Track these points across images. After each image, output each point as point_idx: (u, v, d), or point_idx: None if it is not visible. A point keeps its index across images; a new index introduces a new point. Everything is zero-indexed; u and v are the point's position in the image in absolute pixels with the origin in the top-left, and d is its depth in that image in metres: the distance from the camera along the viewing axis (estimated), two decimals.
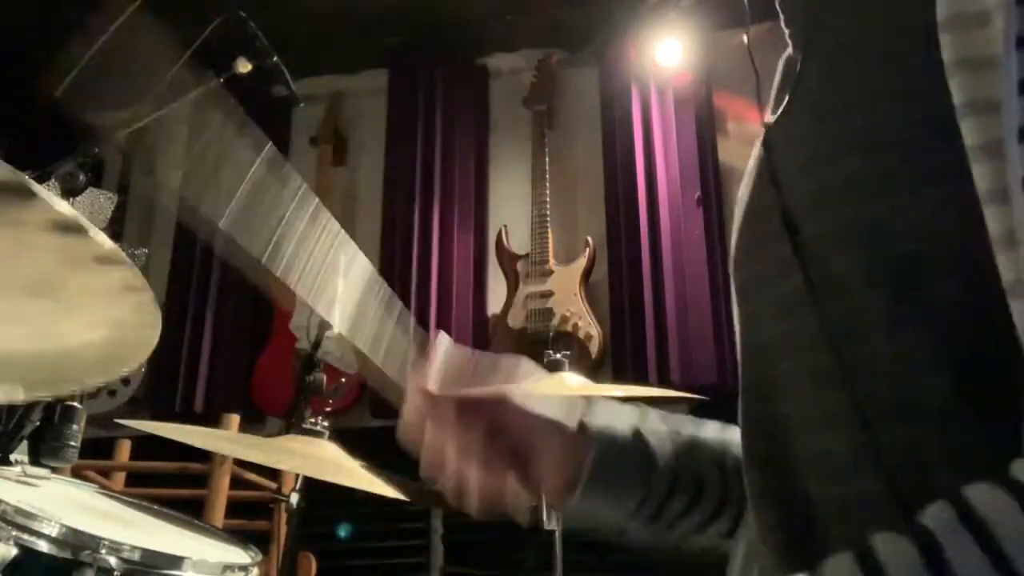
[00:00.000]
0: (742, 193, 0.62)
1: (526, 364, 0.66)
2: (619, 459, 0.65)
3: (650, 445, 0.67)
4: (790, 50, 0.61)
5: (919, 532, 0.38)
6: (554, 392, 0.67)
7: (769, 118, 0.60)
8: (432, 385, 0.62)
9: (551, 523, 1.62)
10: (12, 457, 1.24)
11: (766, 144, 0.58)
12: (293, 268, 0.55)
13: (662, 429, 0.69)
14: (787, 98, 0.59)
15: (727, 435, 0.71)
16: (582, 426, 0.66)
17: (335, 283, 0.56)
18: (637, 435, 0.67)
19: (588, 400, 0.68)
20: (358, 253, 0.60)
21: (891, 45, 0.49)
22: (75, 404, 1.31)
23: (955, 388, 0.43)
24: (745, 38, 0.64)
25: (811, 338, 0.50)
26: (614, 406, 0.68)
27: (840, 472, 0.48)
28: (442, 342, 0.64)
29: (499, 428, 0.63)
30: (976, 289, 0.42)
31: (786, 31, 0.61)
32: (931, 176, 0.44)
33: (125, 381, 3.17)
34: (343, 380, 2.96)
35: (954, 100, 0.42)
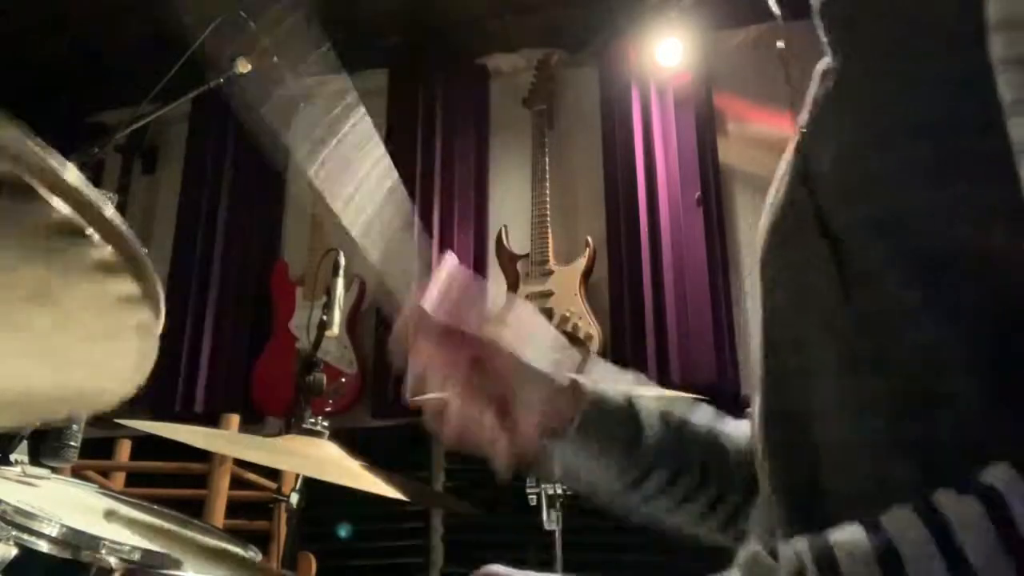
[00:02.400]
0: (771, 194, 0.63)
1: (523, 304, 0.66)
2: (606, 423, 0.66)
3: (640, 417, 0.67)
4: (828, 58, 0.61)
5: (982, 489, 0.38)
6: (546, 336, 0.66)
7: (803, 119, 0.60)
8: (429, 304, 0.62)
9: (551, 523, 1.62)
10: (12, 457, 1.24)
11: (799, 146, 0.59)
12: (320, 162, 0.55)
13: (653, 405, 0.69)
14: (822, 101, 0.59)
15: (719, 424, 0.72)
16: (574, 383, 0.66)
17: (355, 184, 0.56)
18: (629, 404, 0.67)
19: (582, 356, 0.68)
20: (385, 161, 0.60)
21: (931, 44, 0.49)
22: None
23: (978, 384, 0.43)
24: (780, 44, 0.64)
25: (837, 331, 0.50)
26: (609, 370, 0.69)
27: (862, 462, 0.48)
28: (448, 262, 0.64)
29: (485, 365, 0.63)
30: (1004, 286, 0.42)
31: (824, 39, 0.61)
32: (966, 173, 0.45)
33: None
34: (343, 380, 2.97)
35: (1003, 98, 0.42)
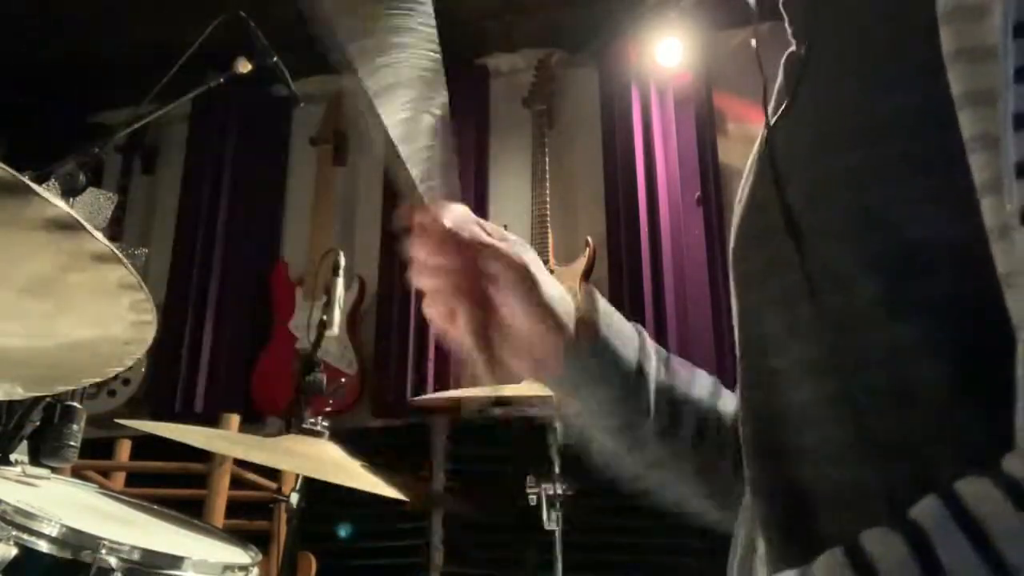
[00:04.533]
0: (742, 188, 0.63)
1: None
2: (611, 370, 0.65)
3: (647, 349, 0.67)
4: (792, 47, 0.61)
5: (910, 529, 0.37)
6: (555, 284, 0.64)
7: (771, 114, 0.60)
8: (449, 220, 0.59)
9: (551, 523, 1.62)
10: (12, 457, 1.24)
11: (767, 139, 0.58)
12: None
13: (655, 372, 0.68)
14: (789, 95, 0.59)
15: (719, 400, 0.71)
16: (590, 325, 0.64)
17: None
18: (639, 333, 0.67)
19: (593, 302, 0.66)
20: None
21: (892, 37, 0.49)
22: (75, 404, 1.31)
23: (950, 379, 0.43)
24: (753, 42, 0.64)
25: (808, 329, 0.50)
26: (618, 320, 0.67)
27: (835, 462, 0.48)
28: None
29: (502, 286, 0.60)
30: (972, 280, 0.42)
31: (788, 29, 0.61)
32: (929, 166, 0.45)
33: (125, 381, 3.17)
34: (343, 380, 2.97)
35: (952, 91, 0.42)
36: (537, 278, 0.60)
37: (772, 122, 0.59)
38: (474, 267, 0.60)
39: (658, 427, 0.67)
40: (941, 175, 0.44)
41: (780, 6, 0.62)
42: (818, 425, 0.50)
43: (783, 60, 0.62)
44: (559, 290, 0.64)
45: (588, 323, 0.64)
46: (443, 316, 0.61)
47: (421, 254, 0.60)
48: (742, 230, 0.61)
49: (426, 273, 0.60)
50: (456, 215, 0.60)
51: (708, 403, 0.70)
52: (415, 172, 0.59)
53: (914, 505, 0.38)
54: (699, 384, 0.71)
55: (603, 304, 0.66)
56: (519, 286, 0.60)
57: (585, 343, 0.63)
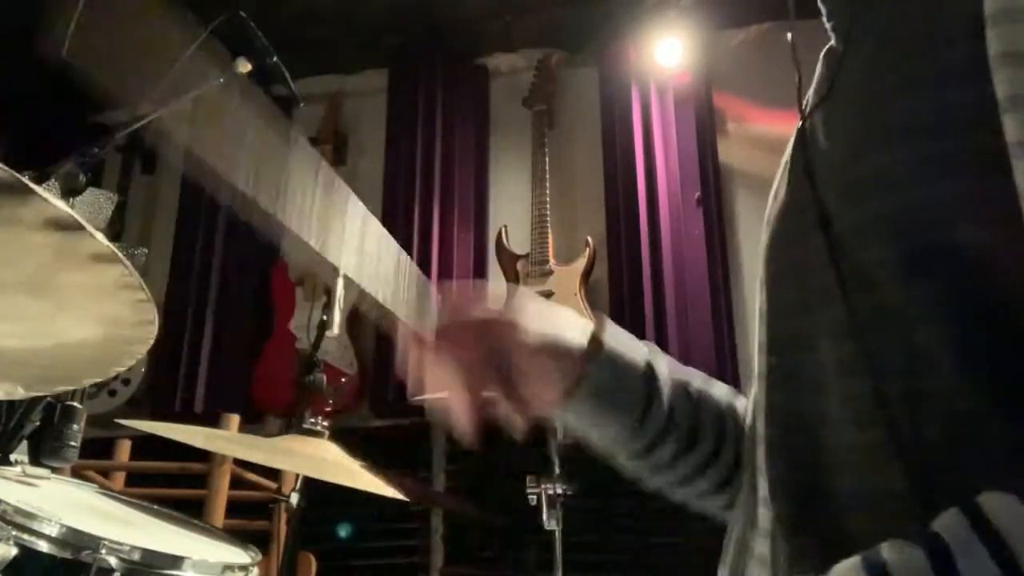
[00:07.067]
0: (776, 184, 0.62)
1: (526, 293, 0.68)
2: (624, 384, 0.66)
3: (658, 381, 0.67)
4: (832, 42, 0.61)
5: (931, 541, 0.37)
6: (555, 310, 0.68)
7: (806, 110, 0.60)
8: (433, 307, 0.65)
9: (551, 523, 1.62)
10: (12, 457, 1.24)
11: (803, 136, 0.58)
12: (302, 219, 0.56)
13: (668, 374, 0.69)
14: (827, 90, 0.59)
15: (736, 401, 0.73)
16: (595, 340, 0.66)
17: (341, 228, 0.58)
18: (648, 368, 0.68)
19: (600, 322, 0.68)
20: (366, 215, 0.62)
21: (934, 35, 0.48)
22: (75, 404, 1.31)
23: (977, 385, 0.43)
24: (789, 36, 0.64)
25: (838, 330, 0.50)
26: (627, 336, 0.69)
27: (861, 466, 0.48)
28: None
29: (493, 346, 0.64)
30: (1007, 286, 0.42)
31: (828, 24, 0.61)
32: (967, 168, 0.44)
33: (125, 381, 3.17)
34: (343, 380, 2.97)
35: (998, 94, 0.41)
36: (528, 328, 0.64)
37: (808, 118, 0.59)
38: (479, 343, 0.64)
39: (678, 443, 0.68)
40: (979, 178, 0.43)
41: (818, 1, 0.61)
42: (845, 427, 0.49)
43: (823, 54, 0.62)
44: (567, 320, 0.67)
45: (595, 339, 0.67)
46: (476, 408, 0.66)
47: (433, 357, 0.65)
48: (776, 228, 0.60)
49: (446, 368, 0.64)
50: (456, 311, 0.65)
51: (726, 400, 0.72)
52: (399, 307, 0.65)
53: (937, 515, 0.38)
54: (717, 384, 0.73)
55: (610, 324, 0.69)
56: (516, 340, 0.64)
57: (595, 354, 0.66)
